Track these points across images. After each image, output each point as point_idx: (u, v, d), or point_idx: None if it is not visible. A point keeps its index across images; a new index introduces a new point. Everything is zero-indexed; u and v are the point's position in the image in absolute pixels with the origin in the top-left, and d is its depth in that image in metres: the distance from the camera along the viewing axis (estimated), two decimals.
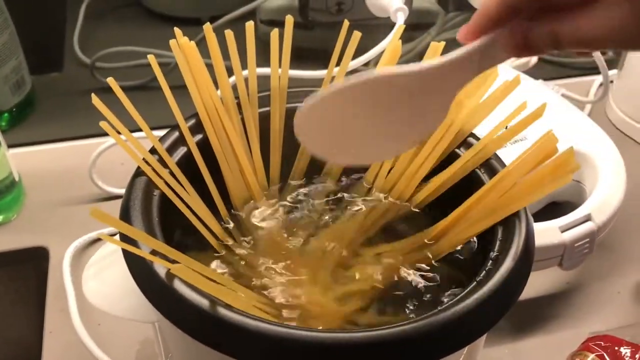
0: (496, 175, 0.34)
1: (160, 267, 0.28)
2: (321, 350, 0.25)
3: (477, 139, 0.36)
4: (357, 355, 0.26)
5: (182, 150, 0.35)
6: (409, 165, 0.37)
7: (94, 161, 0.54)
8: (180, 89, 0.35)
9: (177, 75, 0.36)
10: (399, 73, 0.28)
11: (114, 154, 0.56)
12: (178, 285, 0.27)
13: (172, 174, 0.34)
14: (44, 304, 0.48)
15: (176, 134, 0.35)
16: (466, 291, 0.28)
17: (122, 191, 0.54)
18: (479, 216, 0.33)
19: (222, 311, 0.26)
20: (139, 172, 0.33)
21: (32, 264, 0.52)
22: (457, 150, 0.36)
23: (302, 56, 0.49)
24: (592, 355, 0.40)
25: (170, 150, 0.35)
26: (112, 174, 0.56)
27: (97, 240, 0.51)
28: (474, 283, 0.28)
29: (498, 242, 0.31)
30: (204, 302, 0.26)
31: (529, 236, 0.31)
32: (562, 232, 0.44)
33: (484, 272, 0.29)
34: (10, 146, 0.55)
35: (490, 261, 0.30)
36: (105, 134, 0.55)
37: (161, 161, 0.34)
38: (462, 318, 0.26)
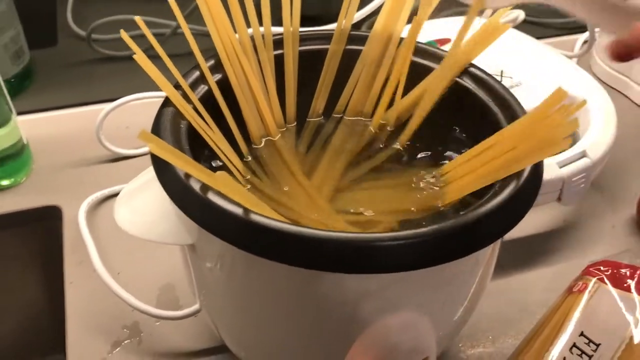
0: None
1: (197, 183, 0.29)
2: (366, 250, 0.27)
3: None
4: (393, 254, 0.27)
5: (202, 89, 0.36)
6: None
7: (100, 122, 0.55)
8: (175, 57, 0.35)
9: (172, 44, 0.36)
10: None
11: (118, 118, 0.57)
12: (216, 198, 0.29)
13: (195, 110, 0.35)
14: (60, 259, 0.49)
15: (197, 72, 0.37)
16: (489, 195, 0.30)
17: (131, 152, 0.57)
18: (489, 170, 0.33)
19: (263, 219, 0.28)
20: (166, 103, 0.34)
21: (44, 223, 0.53)
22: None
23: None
24: (593, 279, 0.43)
25: (192, 87, 0.36)
26: (118, 137, 0.57)
27: (111, 196, 0.52)
28: (492, 190, 0.30)
29: None
30: (247, 213, 0.28)
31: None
32: (560, 167, 0.47)
33: (499, 184, 0.31)
34: None
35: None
36: (107, 101, 0.57)
37: (184, 97, 0.35)
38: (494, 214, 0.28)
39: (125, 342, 0.43)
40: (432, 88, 0.38)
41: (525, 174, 0.31)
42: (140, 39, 0.34)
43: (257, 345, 0.36)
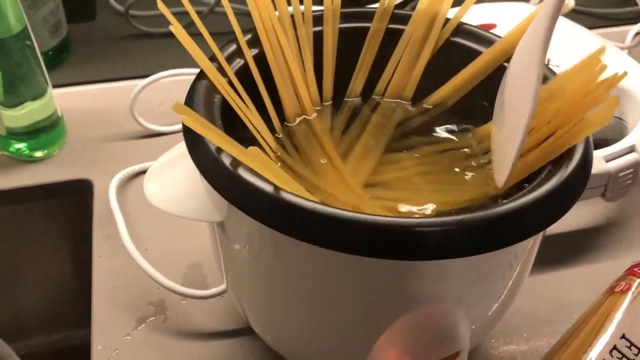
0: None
1: (228, 159, 0.28)
2: (404, 235, 0.26)
3: None
4: (433, 240, 0.26)
5: (238, 63, 0.35)
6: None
7: (135, 98, 0.55)
8: (213, 35, 0.34)
9: (209, 23, 0.35)
10: None
11: (152, 95, 0.56)
12: (247, 174, 0.28)
13: (229, 84, 0.34)
14: (89, 232, 0.48)
15: (234, 46, 0.36)
16: (533, 185, 0.28)
17: (163, 129, 0.56)
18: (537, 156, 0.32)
19: (296, 198, 0.27)
20: (201, 76, 0.33)
21: (75, 197, 0.53)
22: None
23: None
24: (638, 280, 0.41)
25: (228, 61, 0.35)
26: (151, 113, 0.57)
27: (142, 173, 0.52)
28: (538, 179, 0.29)
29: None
30: (278, 191, 0.27)
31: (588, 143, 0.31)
32: (607, 161, 0.45)
33: (547, 171, 0.30)
34: None
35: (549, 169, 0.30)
36: (142, 77, 0.56)
37: (220, 70, 0.34)
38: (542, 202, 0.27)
39: (150, 319, 0.42)
40: (481, 73, 0.37)
41: (574, 163, 0.29)
42: (176, 16, 0.33)
43: (283, 328, 0.35)
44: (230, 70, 0.34)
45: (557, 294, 0.44)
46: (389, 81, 0.39)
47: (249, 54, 0.35)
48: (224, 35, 0.36)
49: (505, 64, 0.36)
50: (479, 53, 0.37)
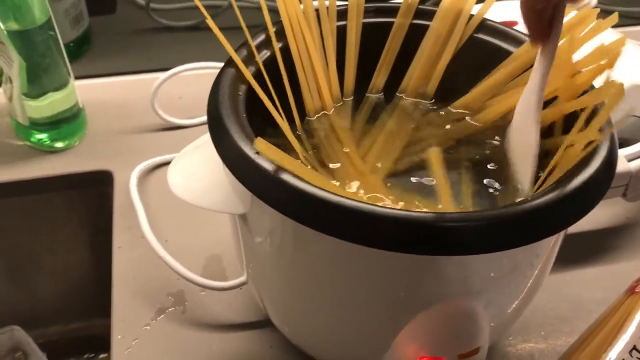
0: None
1: (252, 151, 0.28)
2: (432, 229, 0.26)
3: None
4: (458, 235, 0.26)
5: (264, 54, 0.36)
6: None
7: (155, 91, 0.55)
8: (231, 30, 0.34)
9: (227, 18, 0.35)
10: None
11: (172, 88, 0.57)
12: (271, 167, 0.28)
13: (257, 73, 0.34)
14: (109, 223, 0.49)
15: (263, 36, 0.36)
16: (558, 182, 0.28)
17: (183, 121, 0.57)
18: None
19: (319, 190, 0.27)
20: (228, 65, 0.33)
21: (95, 188, 0.54)
22: None
23: None
24: None
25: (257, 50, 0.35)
26: (171, 106, 0.57)
27: (162, 165, 0.52)
28: (564, 176, 0.29)
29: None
30: (305, 184, 0.27)
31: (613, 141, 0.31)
32: (628, 161, 0.44)
33: (572, 169, 0.29)
34: None
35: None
36: (162, 70, 0.57)
37: (246, 61, 0.34)
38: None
39: (170, 309, 0.43)
40: (509, 78, 0.36)
41: (599, 161, 0.29)
42: (195, 10, 0.33)
43: (302, 321, 0.36)
44: (259, 59, 0.34)
45: (576, 293, 0.44)
46: (410, 78, 0.39)
47: (276, 45, 0.35)
48: (241, 31, 0.36)
49: None
50: (503, 50, 0.37)
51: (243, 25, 0.34)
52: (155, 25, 0.70)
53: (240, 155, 0.29)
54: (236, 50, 0.34)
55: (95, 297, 0.61)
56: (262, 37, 0.36)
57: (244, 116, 0.32)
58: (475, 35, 0.38)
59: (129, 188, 0.50)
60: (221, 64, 0.34)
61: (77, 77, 0.61)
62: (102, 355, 0.63)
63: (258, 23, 0.36)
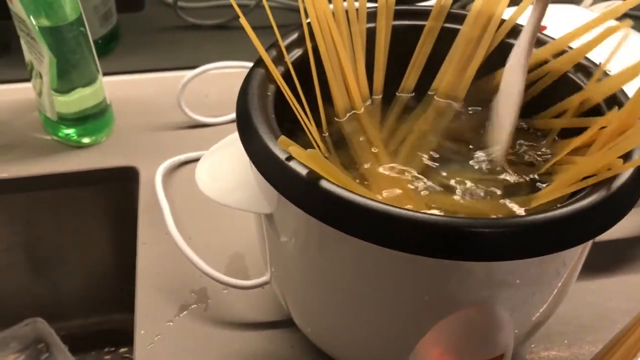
0: None
1: (280, 151, 0.28)
2: (460, 234, 0.26)
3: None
4: (490, 242, 0.26)
5: (294, 54, 0.36)
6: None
7: (182, 89, 0.55)
8: (258, 29, 0.34)
9: (255, 17, 0.35)
10: None
11: (198, 86, 0.57)
12: (299, 167, 0.28)
13: (286, 73, 0.34)
14: (134, 219, 0.49)
15: (294, 36, 0.36)
16: (588, 190, 0.28)
17: (209, 120, 0.57)
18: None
19: (345, 192, 0.27)
20: (258, 63, 0.33)
21: (121, 184, 0.54)
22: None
23: None
24: None
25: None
26: (197, 104, 0.57)
27: (187, 162, 0.53)
28: (594, 185, 0.28)
29: None
30: (332, 185, 0.27)
31: None
32: None
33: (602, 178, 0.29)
34: None
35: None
36: (189, 68, 0.57)
37: (277, 60, 0.34)
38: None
39: (192, 306, 0.43)
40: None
41: (630, 170, 0.29)
42: (222, 9, 0.33)
43: (325, 322, 0.36)
44: (289, 61, 0.34)
45: (600, 302, 0.44)
46: (441, 80, 0.39)
47: (309, 44, 0.35)
48: (269, 29, 0.36)
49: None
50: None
51: (274, 25, 0.34)
52: (183, 24, 0.71)
53: (268, 156, 0.29)
54: (266, 50, 0.34)
55: (117, 292, 0.61)
56: (292, 37, 0.36)
57: (272, 117, 0.32)
58: (507, 40, 0.38)
59: (154, 184, 0.50)
60: (248, 64, 0.35)
61: (104, 74, 0.62)
62: (122, 349, 0.64)
63: (283, 23, 0.36)
